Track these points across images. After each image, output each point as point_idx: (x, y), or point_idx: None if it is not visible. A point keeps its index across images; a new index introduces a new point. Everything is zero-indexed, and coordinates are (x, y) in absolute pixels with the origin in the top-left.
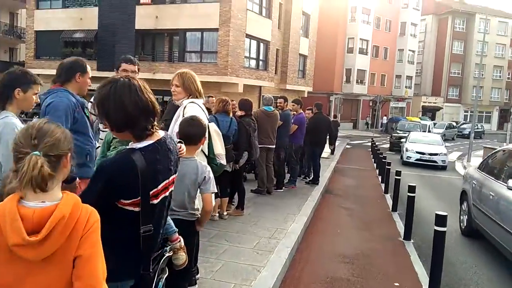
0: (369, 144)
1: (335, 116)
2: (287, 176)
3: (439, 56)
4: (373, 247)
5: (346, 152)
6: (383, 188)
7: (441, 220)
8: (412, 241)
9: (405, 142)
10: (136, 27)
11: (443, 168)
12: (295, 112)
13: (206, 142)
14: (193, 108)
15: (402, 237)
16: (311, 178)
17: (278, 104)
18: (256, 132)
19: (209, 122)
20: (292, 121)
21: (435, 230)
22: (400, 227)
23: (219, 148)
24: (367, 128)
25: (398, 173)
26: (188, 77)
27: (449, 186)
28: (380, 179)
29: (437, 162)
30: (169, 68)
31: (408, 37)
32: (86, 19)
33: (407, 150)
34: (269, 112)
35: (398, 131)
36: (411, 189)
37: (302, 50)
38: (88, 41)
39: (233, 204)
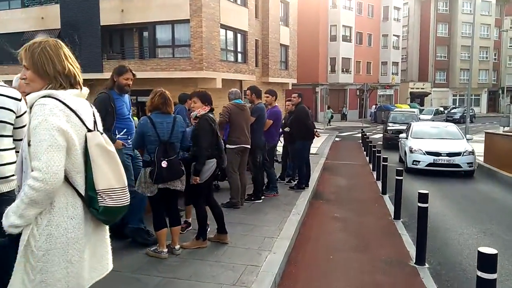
0: (359, 135)
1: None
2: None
3: (424, 40)
4: (377, 280)
5: (335, 145)
6: (380, 188)
7: (489, 261)
8: (426, 265)
9: (407, 138)
10: (102, 23)
11: (468, 174)
12: (269, 106)
13: (81, 170)
14: (43, 109)
15: (414, 261)
16: (296, 181)
17: (245, 97)
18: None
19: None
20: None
21: (478, 277)
22: (408, 243)
23: (109, 179)
24: (344, 119)
25: (399, 172)
26: (41, 50)
27: (456, 182)
28: (375, 175)
29: (460, 167)
30: (140, 66)
31: (391, 22)
32: (48, 18)
33: (412, 151)
34: (241, 105)
35: (390, 124)
36: (423, 198)
37: (283, 40)
38: None
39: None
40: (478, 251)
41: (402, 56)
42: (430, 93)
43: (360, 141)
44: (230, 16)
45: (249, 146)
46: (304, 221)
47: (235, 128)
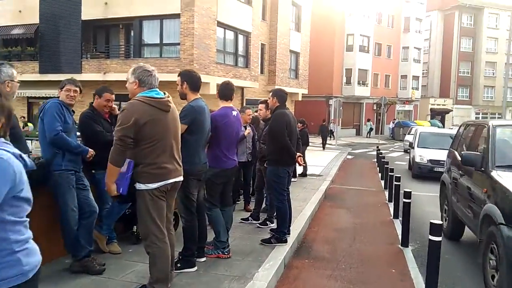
0: (375, 153)
1: (324, 120)
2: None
3: (446, 55)
4: None
5: (346, 165)
6: (399, 233)
7: None
8: None
9: None
10: (83, 18)
11: None
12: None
13: None
14: None
15: None
16: (274, 224)
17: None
18: None
19: None
20: None
21: None
22: None
23: None
24: (331, 137)
25: (433, 232)
26: None
27: None
28: (391, 209)
29: None
30: (122, 67)
31: (412, 34)
32: (26, 10)
33: None
34: (163, 101)
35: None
36: None
37: (294, 46)
38: (28, 37)
39: None
40: None
41: (423, 70)
42: (452, 110)
43: (375, 160)
44: (230, 13)
45: (181, 179)
46: None
47: (152, 148)
